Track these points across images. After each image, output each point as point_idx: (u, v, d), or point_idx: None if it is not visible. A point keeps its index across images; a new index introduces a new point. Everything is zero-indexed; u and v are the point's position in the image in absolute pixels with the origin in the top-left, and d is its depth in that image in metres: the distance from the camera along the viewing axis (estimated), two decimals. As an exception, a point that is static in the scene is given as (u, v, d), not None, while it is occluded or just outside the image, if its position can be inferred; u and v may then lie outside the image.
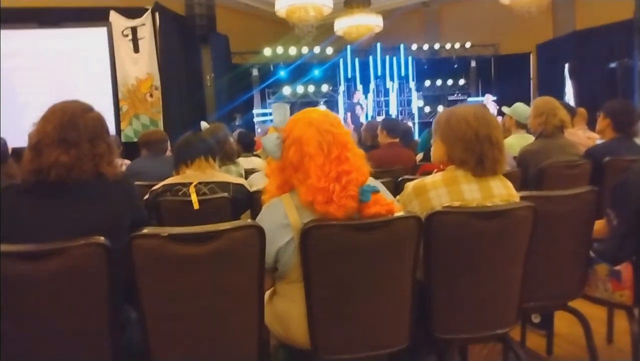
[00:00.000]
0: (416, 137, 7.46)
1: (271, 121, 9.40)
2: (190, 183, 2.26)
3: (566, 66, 9.10)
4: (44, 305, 1.33)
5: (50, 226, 1.42)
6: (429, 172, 1.92)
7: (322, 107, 9.39)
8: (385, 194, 1.54)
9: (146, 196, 2.30)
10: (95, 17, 6.93)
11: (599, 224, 1.93)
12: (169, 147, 3.87)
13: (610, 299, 1.92)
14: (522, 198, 1.67)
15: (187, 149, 2.37)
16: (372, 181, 1.48)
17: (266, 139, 1.52)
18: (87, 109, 1.55)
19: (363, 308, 1.49)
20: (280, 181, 1.52)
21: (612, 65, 7.57)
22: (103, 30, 6.93)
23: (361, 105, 9.89)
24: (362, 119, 9.37)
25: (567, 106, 3.74)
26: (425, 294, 1.59)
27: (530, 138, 3.28)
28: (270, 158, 1.54)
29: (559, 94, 8.62)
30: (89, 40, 7.02)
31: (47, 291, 1.31)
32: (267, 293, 1.55)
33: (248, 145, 4.13)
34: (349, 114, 9.71)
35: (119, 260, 1.33)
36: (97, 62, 6.98)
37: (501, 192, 1.64)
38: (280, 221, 1.44)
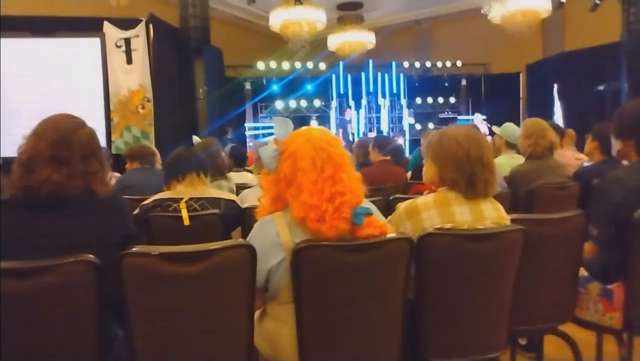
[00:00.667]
0: (407, 154, 7.50)
1: (263, 135, 9.47)
2: (181, 199, 2.25)
3: (555, 86, 9.25)
4: (32, 322, 1.31)
5: (38, 242, 1.40)
6: (421, 193, 1.93)
7: (314, 123, 9.47)
8: (378, 216, 1.54)
9: (136, 211, 2.28)
10: (89, 27, 6.90)
11: (589, 245, 1.95)
12: (159, 161, 3.85)
13: (600, 322, 1.93)
14: (512, 220, 1.68)
15: (178, 164, 2.36)
16: (365, 203, 1.48)
17: (263, 150, 1.53)
18: (79, 125, 1.53)
19: (354, 330, 1.48)
20: (273, 194, 1.51)
21: (600, 87, 7.71)
22: (96, 40, 6.90)
23: (349, 120, 9.99)
24: (353, 137, 9.45)
25: (556, 127, 3.80)
26: (416, 315, 1.59)
27: (520, 158, 3.31)
28: (265, 170, 1.55)
29: (548, 115, 8.74)
30: (81, 50, 6.99)
31: (35, 308, 1.30)
32: (257, 313, 1.54)
33: (240, 159, 4.13)
34: (340, 131, 9.77)
35: (108, 277, 1.32)
36: (89, 73, 6.95)
37: (492, 214, 1.65)
38: (272, 240, 1.44)
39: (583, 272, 2.00)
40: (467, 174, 1.62)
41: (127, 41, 6.93)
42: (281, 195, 1.48)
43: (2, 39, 6.56)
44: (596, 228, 1.90)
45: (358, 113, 10.21)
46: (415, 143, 8.99)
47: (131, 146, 4.06)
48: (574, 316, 1.98)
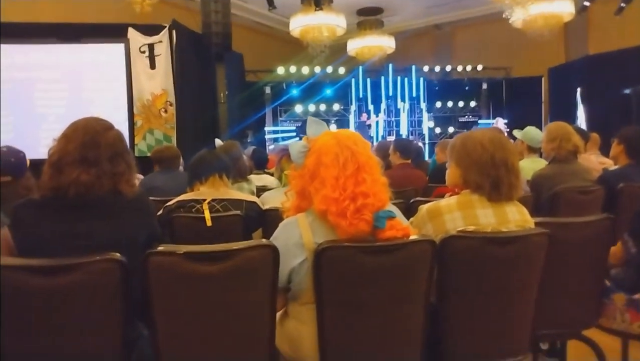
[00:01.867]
0: (426, 157, 7.45)
1: (282, 139, 9.52)
2: (204, 200, 2.27)
3: (578, 90, 9.09)
4: (58, 319, 1.34)
5: (66, 241, 1.43)
6: (443, 195, 1.92)
7: (333, 127, 9.49)
8: (401, 219, 1.54)
9: (160, 212, 2.32)
10: (114, 33, 7.05)
11: (614, 249, 1.91)
12: (182, 163, 3.91)
13: (629, 330, 1.89)
14: (537, 224, 1.66)
15: (201, 166, 2.40)
16: (389, 206, 1.48)
17: (293, 145, 1.58)
18: (108, 127, 1.57)
19: (374, 332, 1.47)
20: (298, 188, 1.54)
21: (626, 91, 7.55)
22: (121, 46, 7.05)
23: (369, 126, 10.00)
24: (372, 141, 9.43)
25: (580, 131, 3.74)
26: (438, 318, 1.58)
27: (543, 162, 3.27)
28: (294, 166, 1.59)
29: (571, 119, 8.59)
30: (106, 56, 7.14)
31: (62, 305, 1.33)
32: (279, 314, 1.55)
33: (261, 162, 4.16)
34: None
35: (134, 276, 1.35)
36: (114, 77, 7.09)
37: (516, 217, 1.64)
38: (295, 240, 1.45)
39: (606, 282, 1.96)
40: (491, 177, 1.62)
41: (151, 47, 7.06)
42: (305, 189, 1.51)
43: (31, 46, 6.75)
44: (636, 247, 1.85)
45: (377, 116, 10.19)
46: (435, 147, 8.93)
47: (157, 148, 4.12)
48: (600, 325, 1.94)
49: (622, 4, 7.36)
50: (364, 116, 10.20)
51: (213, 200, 2.29)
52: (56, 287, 1.30)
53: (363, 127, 10.00)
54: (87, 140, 1.49)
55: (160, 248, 1.34)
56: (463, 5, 10.25)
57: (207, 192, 2.33)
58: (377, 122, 10.15)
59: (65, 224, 1.46)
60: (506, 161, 1.62)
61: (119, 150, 1.55)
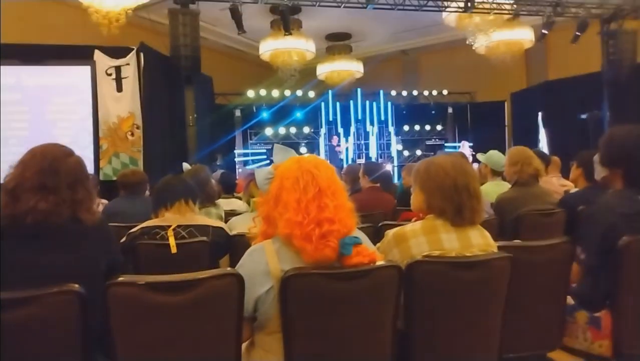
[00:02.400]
0: (395, 180, 7.54)
1: (252, 162, 9.48)
2: (169, 226, 2.23)
3: (540, 114, 9.43)
4: (14, 354, 1.28)
5: (23, 271, 1.38)
6: (409, 220, 1.94)
7: (303, 150, 9.53)
8: (367, 244, 1.54)
9: (123, 239, 2.26)
10: (80, 55, 6.95)
11: (575, 267, 1.95)
12: (148, 188, 3.83)
13: (590, 350, 1.92)
14: (499, 247, 1.69)
15: (167, 192, 2.36)
16: (355, 232, 1.48)
17: (259, 171, 1.59)
18: (67, 154, 1.53)
19: (342, 359, 1.46)
20: (264, 213, 1.53)
21: (583, 116, 7.88)
22: (87, 68, 6.94)
23: (338, 149, 10.11)
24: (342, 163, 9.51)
25: (541, 154, 3.86)
26: (405, 344, 1.58)
27: (506, 185, 3.35)
28: (260, 192, 1.59)
29: (534, 142, 8.90)
30: (71, 78, 7.02)
31: (20, 339, 1.27)
32: (244, 345, 1.51)
33: (229, 186, 4.13)
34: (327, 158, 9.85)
35: (94, 307, 1.30)
36: (79, 100, 6.96)
37: (479, 242, 1.67)
38: (261, 268, 1.43)
39: (570, 300, 2.00)
40: (454, 202, 1.64)
41: (118, 69, 6.98)
42: (270, 215, 1.50)
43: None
44: (584, 252, 1.91)
45: (347, 140, 10.29)
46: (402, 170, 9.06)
47: (122, 172, 4.03)
48: (563, 345, 1.97)
49: (577, 33, 7.73)
50: (335, 139, 10.31)
51: (178, 226, 2.25)
52: (11, 320, 1.25)
53: (333, 151, 10.09)
54: (46, 166, 1.45)
55: (120, 279, 1.30)
56: (429, 32, 10.55)
57: (172, 218, 2.29)
58: (346, 148, 10.26)
59: (22, 254, 1.41)
60: (468, 186, 1.65)
61: (79, 177, 1.51)
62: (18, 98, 6.76)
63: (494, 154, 3.67)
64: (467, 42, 7.79)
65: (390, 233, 1.73)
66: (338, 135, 10.40)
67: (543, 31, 7.79)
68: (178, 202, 2.33)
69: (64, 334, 1.30)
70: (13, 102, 6.72)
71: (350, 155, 10.36)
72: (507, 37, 7.74)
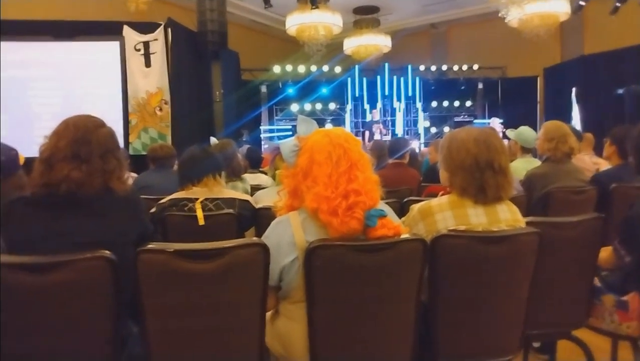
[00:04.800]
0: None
1: (278, 138, 9.52)
2: (197, 199, 2.27)
3: (573, 90, 9.12)
4: (49, 316, 1.34)
5: (57, 238, 1.43)
6: (434, 194, 1.92)
7: (329, 126, 9.47)
8: (392, 217, 1.54)
9: (153, 210, 2.31)
10: (109, 31, 7.03)
11: (606, 253, 1.91)
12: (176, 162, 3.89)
13: (617, 331, 1.89)
14: (528, 223, 1.66)
15: (195, 168, 2.36)
16: (380, 205, 1.48)
17: (284, 144, 1.57)
18: (99, 125, 1.57)
19: (365, 330, 1.48)
20: (291, 187, 1.54)
21: (620, 91, 7.58)
22: (116, 44, 7.03)
23: (379, 123, 9.95)
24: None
25: (575, 131, 3.75)
26: (428, 317, 1.58)
27: (537, 162, 3.28)
28: (285, 165, 1.58)
29: (566, 119, 8.61)
30: (101, 54, 7.12)
31: (52, 303, 1.33)
32: (269, 313, 1.55)
33: (256, 161, 4.16)
34: (367, 133, 9.74)
35: (124, 274, 1.34)
36: (109, 75, 7.07)
37: (507, 217, 1.63)
38: (286, 239, 1.45)
39: (596, 282, 1.96)
40: (476, 181, 1.60)
41: (146, 45, 7.05)
42: (297, 188, 1.50)
43: (26, 43, 6.72)
44: (629, 255, 1.82)
45: (372, 116, 10.17)
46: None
47: (152, 146, 4.10)
48: (589, 325, 1.95)
49: (618, 4, 7.39)
50: (375, 114, 10.10)
51: (206, 199, 2.28)
52: (46, 285, 1.30)
53: (370, 126, 9.92)
54: (79, 137, 1.49)
55: (150, 246, 1.34)
56: (459, 4, 10.27)
57: (200, 191, 2.32)
58: (378, 119, 10.10)
59: (55, 222, 1.46)
60: (492, 163, 1.59)
61: (110, 147, 1.55)
62: (51, 74, 6.92)
63: (524, 130, 3.57)
64: (499, 15, 7.52)
65: (415, 207, 1.71)
66: (375, 109, 10.12)
67: (580, 3, 7.47)
68: (206, 177, 2.35)
69: (96, 298, 1.35)
70: (46, 78, 6.88)
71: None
72: (542, 9, 7.42)
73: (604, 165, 3.62)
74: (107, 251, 1.32)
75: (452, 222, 1.61)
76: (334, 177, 1.41)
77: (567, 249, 1.76)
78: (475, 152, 1.60)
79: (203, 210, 2.23)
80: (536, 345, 2.53)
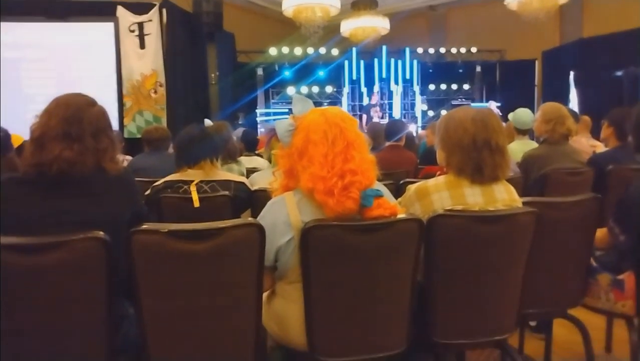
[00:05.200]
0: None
1: (274, 120, 9.45)
2: (192, 181, 2.25)
3: (572, 73, 9.08)
4: (42, 298, 1.32)
5: (50, 219, 1.41)
6: (431, 175, 1.91)
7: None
8: (388, 197, 1.53)
9: (147, 192, 2.30)
10: (103, 11, 6.93)
11: (601, 233, 1.91)
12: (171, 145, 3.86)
13: (612, 309, 1.90)
14: (524, 203, 1.66)
15: (192, 150, 2.33)
16: (376, 185, 1.47)
17: (279, 123, 1.54)
18: (90, 103, 1.54)
19: (362, 310, 1.48)
20: (286, 167, 1.52)
21: (618, 73, 7.55)
22: (110, 25, 6.93)
23: (378, 107, 9.89)
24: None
25: (572, 113, 3.73)
26: (424, 297, 1.58)
27: (533, 144, 3.27)
28: (281, 145, 1.56)
29: (564, 102, 8.54)
30: (95, 35, 7.03)
31: (45, 284, 1.31)
32: (266, 294, 1.54)
33: (251, 144, 4.13)
34: (364, 116, 9.69)
35: (118, 255, 1.33)
36: (103, 57, 6.99)
37: (504, 197, 1.63)
38: (282, 219, 1.44)
39: (592, 262, 1.97)
40: (473, 160, 1.59)
41: (141, 26, 6.95)
42: (293, 168, 1.49)
43: (19, 24, 6.61)
44: (623, 234, 1.83)
45: (370, 99, 10.11)
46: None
47: (147, 128, 4.06)
48: (585, 304, 1.96)
49: (617, -14, 7.32)
50: (375, 97, 10.03)
51: (201, 181, 2.27)
52: (39, 265, 1.29)
53: (368, 109, 9.87)
54: (70, 115, 1.46)
55: (144, 226, 1.32)
56: (458, -14, 10.16)
57: (195, 173, 2.30)
58: (376, 102, 10.05)
59: (48, 202, 1.44)
60: (489, 141, 1.58)
61: (102, 126, 1.52)
62: (44, 55, 6.83)
63: (519, 112, 3.55)
64: (498, -3, 7.45)
65: (412, 187, 1.70)
66: (374, 93, 10.06)
67: (580, -15, 7.38)
68: (203, 161, 2.32)
69: (90, 279, 1.34)
70: (39, 60, 6.80)
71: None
72: (542, -8, 7.37)
73: (601, 147, 3.62)
74: (100, 232, 1.31)
75: (448, 202, 1.61)
76: (330, 157, 1.39)
77: (563, 229, 1.76)
78: (473, 131, 1.59)
79: (198, 192, 2.21)
80: (532, 323, 2.55)
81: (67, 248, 1.29)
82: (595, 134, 4.05)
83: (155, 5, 6.96)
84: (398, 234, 1.44)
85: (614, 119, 2.94)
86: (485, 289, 1.59)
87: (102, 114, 1.55)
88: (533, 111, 3.59)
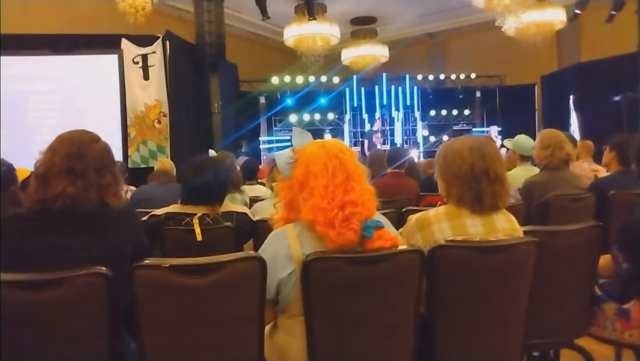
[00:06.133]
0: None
1: (277, 148, 9.53)
2: (195, 214, 2.25)
3: (571, 97, 9.15)
4: (44, 334, 1.33)
5: (53, 254, 1.42)
6: (433, 204, 1.92)
7: (328, 136, 9.49)
8: (389, 228, 1.53)
9: (145, 218, 2.28)
10: (107, 44, 7.07)
11: (604, 260, 1.90)
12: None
13: (619, 339, 1.88)
14: (525, 232, 1.65)
15: (200, 194, 2.28)
16: (376, 215, 1.48)
17: (279, 156, 1.56)
18: (94, 140, 1.57)
19: (364, 343, 1.46)
20: (287, 199, 1.53)
21: (616, 98, 7.61)
22: (114, 57, 7.07)
23: (379, 133, 9.97)
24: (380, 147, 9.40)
25: (570, 138, 3.75)
26: (428, 329, 1.57)
27: (536, 170, 3.27)
28: (281, 177, 1.57)
29: (564, 126, 8.65)
30: (100, 67, 7.16)
31: (48, 320, 1.32)
32: (268, 327, 1.53)
33: (250, 173, 4.13)
34: (365, 142, 9.75)
35: (120, 290, 1.33)
36: (108, 88, 7.10)
37: (504, 226, 1.63)
38: (283, 251, 1.44)
39: (597, 291, 1.95)
40: (473, 190, 1.59)
41: (144, 57, 7.08)
42: (294, 200, 1.50)
43: (26, 57, 6.75)
44: (627, 262, 1.81)
45: (372, 126, 10.19)
46: (429, 155, 8.98)
47: (153, 173, 4.08)
48: (591, 334, 1.93)
49: (613, 12, 7.44)
50: (377, 124, 10.12)
51: (204, 214, 2.27)
52: (41, 302, 1.29)
53: (370, 135, 9.95)
54: (74, 152, 1.49)
55: (146, 261, 1.33)
56: (456, 14, 10.33)
57: (198, 207, 2.30)
58: (377, 128, 10.13)
59: (51, 238, 1.45)
60: (487, 171, 1.59)
61: (105, 162, 1.55)
62: (50, 88, 6.94)
63: (520, 138, 3.57)
64: (496, 24, 7.56)
65: (413, 217, 1.71)
66: (377, 119, 10.15)
67: (576, 11, 7.52)
68: (211, 204, 2.32)
69: (93, 315, 1.34)
70: (45, 92, 6.91)
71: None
72: (538, 18, 7.48)
73: (603, 172, 3.62)
74: (102, 267, 1.32)
75: (449, 233, 1.61)
76: (330, 189, 1.41)
77: (566, 257, 1.76)
78: (471, 161, 1.60)
79: (201, 224, 2.22)
80: (536, 354, 2.51)
81: (69, 283, 1.30)
82: (597, 158, 4.06)
83: (158, 37, 7.10)
84: (399, 265, 1.44)
85: (616, 144, 2.95)
86: (489, 320, 1.58)
87: (106, 150, 1.58)
88: (534, 136, 3.61)
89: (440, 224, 1.62)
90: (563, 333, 1.85)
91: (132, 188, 3.89)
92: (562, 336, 1.86)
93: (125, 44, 7.05)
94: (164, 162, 3.92)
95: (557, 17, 7.60)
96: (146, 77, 7.07)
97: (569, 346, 1.89)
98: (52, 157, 1.48)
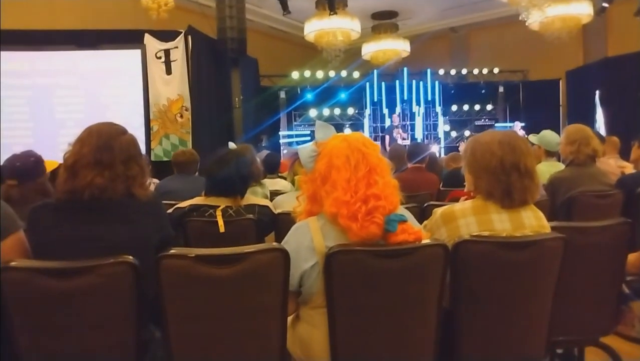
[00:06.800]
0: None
1: (297, 143, 9.55)
2: (218, 206, 2.28)
3: (597, 93, 8.95)
4: (71, 321, 1.36)
5: (81, 244, 1.45)
6: (457, 199, 1.90)
7: (347, 131, 9.45)
8: (412, 222, 1.52)
9: (170, 210, 2.31)
10: (131, 39, 7.16)
11: (633, 257, 1.86)
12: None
13: (647, 338, 1.85)
14: (553, 228, 1.62)
15: (224, 187, 2.31)
16: (400, 209, 1.47)
17: (302, 149, 1.57)
18: (121, 132, 1.59)
19: (386, 336, 1.46)
20: (309, 192, 1.54)
21: (644, 93, 7.42)
22: (137, 52, 7.15)
23: (400, 128, 9.91)
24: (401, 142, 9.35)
25: (597, 135, 3.67)
26: (451, 323, 1.56)
27: (561, 166, 3.22)
28: (303, 170, 1.58)
29: (590, 122, 8.47)
30: (123, 62, 7.26)
31: (75, 307, 1.35)
32: (290, 318, 1.54)
33: (272, 167, 4.16)
34: (387, 137, 9.71)
35: (146, 279, 1.36)
36: (131, 83, 7.19)
37: (532, 223, 1.60)
38: (306, 244, 1.45)
39: (624, 289, 1.91)
40: (502, 184, 1.56)
41: (167, 52, 7.15)
42: (316, 193, 1.50)
43: (51, 52, 6.89)
44: None
45: (391, 120, 10.13)
46: (450, 150, 8.90)
47: (176, 152, 4.14)
48: (618, 333, 1.90)
49: (642, 5, 7.24)
50: (396, 119, 10.06)
51: (226, 206, 2.29)
52: (69, 289, 1.32)
53: (391, 130, 9.90)
54: (102, 143, 1.52)
55: (172, 251, 1.35)
56: (479, 8, 10.19)
57: (221, 199, 2.33)
58: (398, 123, 10.07)
59: (79, 227, 1.48)
60: (517, 165, 1.56)
61: (132, 153, 1.57)
62: (75, 82, 7.07)
63: (546, 134, 3.51)
64: (520, 18, 7.42)
65: (438, 211, 1.68)
66: (395, 113, 10.07)
67: (603, 4, 7.33)
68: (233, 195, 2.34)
69: (119, 303, 1.37)
70: (70, 87, 7.04)
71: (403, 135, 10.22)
72: (563, 12, 7.30)
73: (630, 169, 3.55)
74: (129, 256, 1.34)
75: (475, 228, 1.58)
76: (353, 182, 1.40)
77: (593, 254, 1.73)
78: (500, 155, 1.57)
79: (223, 216, 2.24)
80: (560, 351, 2.47)
81: (97, 272, 1.33)
82: (624, 154, 3.97)
83: (181, 32, 7.16)
84: (423, 259, 1.43)
85: (644, 140, 2.88)
86: (513, 316, 1.56)
87: (133, 142, 1.60)
88: (559, 132, 3.55)
89: (466, 219, 1.60)
90: (589, 331, 1.82)
91: (155, 180, 3.94)
92: (588, 334, 1.83)
93: (148, 39, 7.12)
94: (186, 152, 3.92)
95: (583, 10, 7.41)
96: (169, 71, 7.15)
97: (595, 344, 1.86)
98: (80, 149, 1.51)
